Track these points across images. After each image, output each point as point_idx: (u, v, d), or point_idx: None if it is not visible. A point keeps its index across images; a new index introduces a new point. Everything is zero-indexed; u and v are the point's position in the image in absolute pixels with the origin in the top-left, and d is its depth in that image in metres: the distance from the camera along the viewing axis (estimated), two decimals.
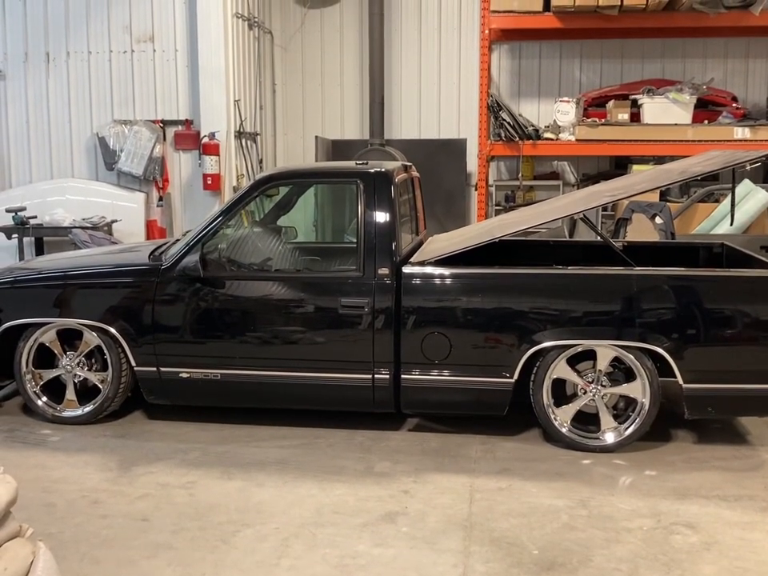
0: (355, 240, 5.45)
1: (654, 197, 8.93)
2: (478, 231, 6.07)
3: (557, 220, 5.81)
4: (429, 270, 5.27)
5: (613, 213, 9.84)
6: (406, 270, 5.27)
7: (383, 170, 5.51)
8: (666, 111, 10.05)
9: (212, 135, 9.91)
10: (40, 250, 9.94)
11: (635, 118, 10.20)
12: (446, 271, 5.26)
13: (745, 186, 8.84)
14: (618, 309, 5.10)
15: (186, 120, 10.44)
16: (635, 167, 10.08)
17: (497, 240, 5.32)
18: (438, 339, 5.18)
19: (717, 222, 9.38)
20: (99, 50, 10.46)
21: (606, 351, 5.10)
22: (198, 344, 5.49)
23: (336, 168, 6.15)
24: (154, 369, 5.51)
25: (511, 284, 5.24)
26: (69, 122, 10.66)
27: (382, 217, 5.33)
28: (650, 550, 3.89)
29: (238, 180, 10.24)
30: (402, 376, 5.24)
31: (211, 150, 9.92)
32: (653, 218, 8.77)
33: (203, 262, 5.38)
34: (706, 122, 10.08)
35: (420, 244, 6.14)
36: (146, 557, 3.88)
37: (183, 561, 3.83)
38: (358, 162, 5.74)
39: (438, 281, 5.27)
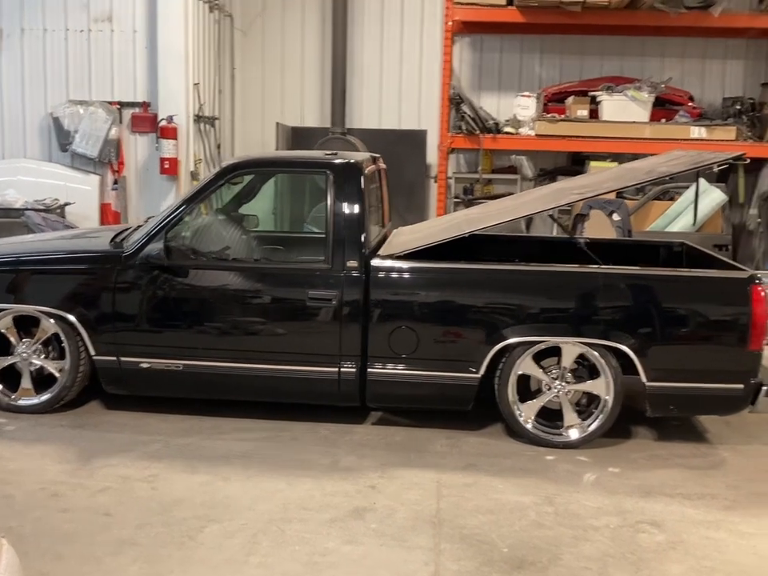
0: (319, 230, 5.39)
1: (612, 194, 9.02)
2: (444, 225, 6.05)
3: (525, 216, 5.82)
4: (398, 263, 5.24)
5: (569, 209, 9.92)
6: (375, 263, 5.23)
7: (353, 161, 5.46)
8: (625, 109, 10.13)
9: (170, 118, 9.73)
10: None
11: (594, 114, 10.27)
12: (414, 265, 5.23)
13: (700, 185, 8.96)
14: (583, 306, 5.13)
15: (144, 102, 10.24)
16: (593, 164, 10.15)
17: (466, 235, 5.31)
18: (405, 333, 5.15)
19: (672, 220, 9.52)
20: (55, 28, 10.19)
21: (571, 348, 5.13)
22: (161, 333, 5.39)
23: (306, 158, 6.07)
24: (114, 358, 5.39)
25: (480, 279, 5.24)
26: (22, 101, 10.39)
27: (351, 209, 5.28)
28: (617, 549, 3.93)
29: (195, 165, 10.09)
30: (369, 370, 5.21)
31: (169, 133, 9.73)
32: (610, 214, 8.88)
33: (167, 250, 5.28)
34: (663, 120, 10.19)
35: (385, 236, 6.10)
36: (110, 553, 3.79)
37: (149, 558, 3.76)
38: (327, 153, 5.68)
39: (406, 274, 5.24)
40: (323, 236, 5.41)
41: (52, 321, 5.40)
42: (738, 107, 10.19)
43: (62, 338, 5.42)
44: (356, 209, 5.28)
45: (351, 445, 5.14)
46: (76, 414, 5.53)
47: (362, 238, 5.24)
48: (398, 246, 5.51)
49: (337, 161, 5.44)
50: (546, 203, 5.66)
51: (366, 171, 5.47)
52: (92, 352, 5.39)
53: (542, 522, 4.19)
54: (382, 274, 5.21)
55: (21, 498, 4.30)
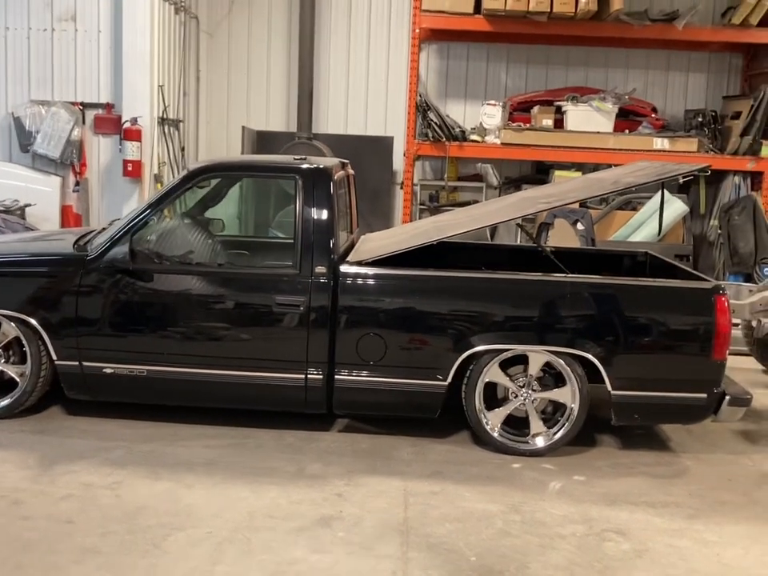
0: (285, 235, 5.36)
1: (576, 203, 9.10)
2: (412, 232, 6.05)
3: (493, 225, 5.83)
4: (366, 269, 5.23)
5: (534, 217, 9.98)
6: (344, 269, 5.21)
7: (322, 166, 5.44)
8: (589, 119, 10.23)
9: (134, 120, 9.61)
10: None
11: (559, 124, 10.35)
12: (383, 272, 5.22)
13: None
14: (550, 315, 5.16)
15: (108, 103, 10.09)
16: (557, 173, 10.24)
17: (434, 243, 5.31)
18: (373, 340, 5.14)
19: (634, 229, 9.64)
20: (18, 26, 10.00)
21: (537, 356, 5.16)
22: (124, 338, 5.32)
23: (274, 163, 6.02)
24: (76, 363, 5.31)
25: (447, 287, 5.24)
26: None
27: (320, 214, 5.26)
28: (584, 557, 3.94)
29: (159, 168, 9.97)
30: (336, 377, 5.19)
31: (133, 135, 9.61)
32: (574, 223, 8.96)
33: (132, 254, 5.21)
34: (626, 131, 10.30)
35: (353, 243, 6.08)
36: (73, 561, 3.73)
37: (113, 567, 3.69)
38: (296, 158, 5.65)
39: (374, 281, 5.23)
40: (290, 241, 5.39)
41: (13, 324, 5.31)
42: (700, 119, 10.32)
43: (24, 342, 5.32)
44: (325, 214, 5.25)
45: (317, 452, 5.11)
46: (37, 420, 5.43)
47: (331, 244, 5.22)
48: (367, 253, 5.49)
49: (306, 166, 5.41)
50: (513, 212, 5.68)
51: (335, 177, 5.46)
52: (54, 356, 5.30)
53: (509, 530, 4.20)
54: (350, 281, 5.19)
55: None
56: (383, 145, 10.95)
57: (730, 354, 5.18)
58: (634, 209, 9.86)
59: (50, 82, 10.10)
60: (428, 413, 5.27)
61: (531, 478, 4.88)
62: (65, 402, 5.61)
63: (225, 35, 11.40)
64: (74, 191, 10.22)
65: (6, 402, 5.37)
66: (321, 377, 5.18)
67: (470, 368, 5.15)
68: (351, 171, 6.37)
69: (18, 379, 5.37)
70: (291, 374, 5.20)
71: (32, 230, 8.64)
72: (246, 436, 5.29)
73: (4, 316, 5.30)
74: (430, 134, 10.24)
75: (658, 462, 5.22)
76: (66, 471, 4.67)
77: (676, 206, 9.39)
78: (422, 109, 10.34)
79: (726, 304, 5.07)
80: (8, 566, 3.65)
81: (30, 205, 9.63)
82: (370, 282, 5.21)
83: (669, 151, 9.95)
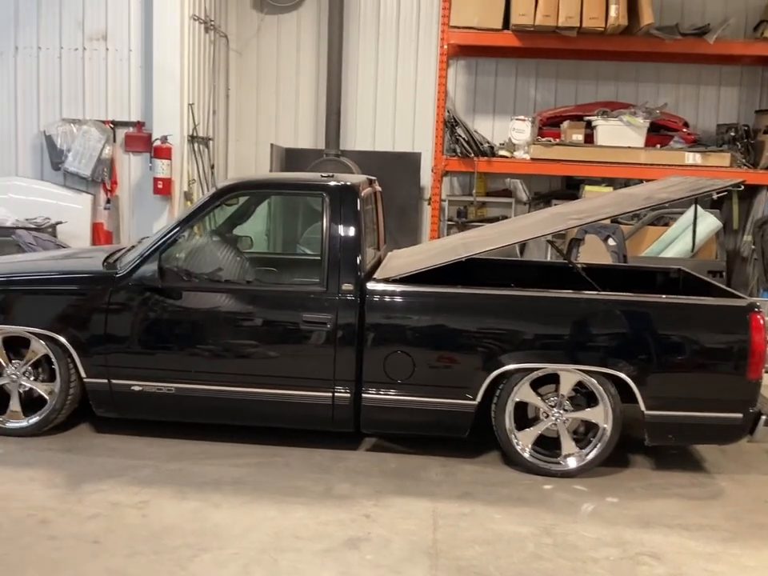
0: (312, 252, 5.33)
1: (607, 219, 9.00)
2: (441, 249, 6.00)
3: (524, 241, 5.78)
4: (393, 287, 5.18)
5: (564, 233, 9.89)
6: (371, 286, 5.17)
7: (350, 183, 5.41)
8: (620, 134, 10.14)
9: (164, 138, 9.68)
10: None
11: (589, 139, 10.28)
12: (410, 289, 5.18)
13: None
14: (582, 333, 5.08)
15: (138, 122, 10.20)
16: (588, 188, 10.16)
17: (463, 259, 5.26)
18: (401, 358, 5.09)
19: (666, 245, 9.52)
20: (49, 46, 10.17)
21: (569, 375, 5.07)
22: (153, 356, 5.32)
23: (301, 180, 6.02)
24: (105, 381, 5.31)
25: (477, 304, 5.18)
26: (15, 119, 10.35)
27: (347, 231, 5.23)
28: None
29: (189, 185, 10.03)
30: (364, 395, 5.14)
31: (163, 153, 9.68)
32: (606, 239, 8.84)
33: (161, 272, 5.21)
34: (658, 146, 10.21)
35: (380, 260, 6.05)
36: None
37: None
38: (323, 175, 5.63)
39: (402, 298, 5.18)
40: (317, 258, 5.36)
41: (42, 342, 5.32)
42: (733, 134, 10.21)
43: (53, 360, 5.33)
44: (352, 231, 5.22)
45: (345, 471, 5.06)
46: (65, 438, 5.43)
47: (358, 261, 5.19)
48: (394, 270, 5.45)
49: (333, 183, 5.39)
50: (544, 228, 5.62)
51: (362, 193, 5.43)
52: (83, 374, 5.31)
53: (541, 553, 4.11)
54: (377, 298, 5.15)
55: (8, 524, 4.20)
56: (411, 161, 10.93)
57: (765, 373, 5.07)
58: (666, 224, 9.74)
59: (82, 101, 10.23)
60: (457, 432, 5.20)
61: (563, 499, 4.80)
62: (93, 420, 5.61)
63: (254, 54, 11.47)
64: (104, 209, 10.32)
65: (34, 419, 5.38)
66: (348, 395, 5.13)
67: (500, 387, 5.08)
68: (378, 188, 6.34)
69: (46, 397, 5.37)
70: (318, 392, 5.16)
71: (63, 247, 8.70)
72: (274, 454, 5.25)
73: (33, 334, 5.32)
74: (458, 150, 10.20)
75: (693, 484, 5.11)
76: (94, 490, 4.65)
77: (709, 222, 9.26)
78: (449, 124, 10.31)
79: (762, 321, 4.96)
80: None
81: (61, 222, 9.72)
82: (398, 299, 5.17)
83: (701, 166, 9.85)
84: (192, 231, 5.57)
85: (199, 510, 4.45)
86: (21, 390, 5.42)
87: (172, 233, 5.34)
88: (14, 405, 5.40)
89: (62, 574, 3.75)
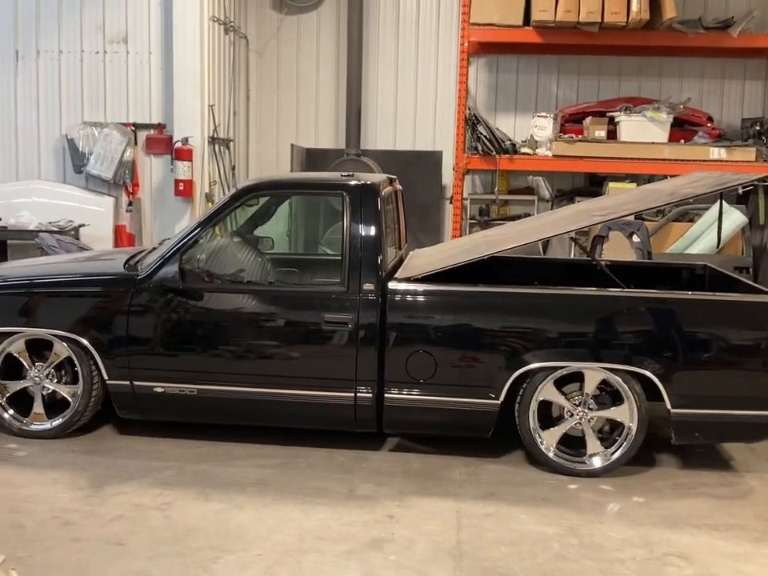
0: (333, 252, 5.30)
1: (631, 215, 8.92)
2: (463, 247, 5.96)
3: (547, 239, 5.72)
4: (415, 286, 5.15)
5: (587, 230, 9.81)
6: (392, 285, 5.14)
7: (370, 182, 5.38)
8: (643, 129, 10.03)
9: (185, 140, 9.69)
10: (3, 253, 9.65)
11: (612, 135, 10.17)
12: (432, 288, 5.14)
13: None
14: (606, 331, 5.02)
15: (159, 124, 10.22)
16: (611, 185, 10.06)
17: (485, 258, 5.21)
18: (423, 358, 5.05)
19: (691, 242, 9.40)
20: (70, 50, 10.22)
21: (593, 374, 5.02)
22: (175, 357, 5.31)
23: (321, 180, 6.00)
24: (127, 382, 5.31)
25: (499, 303, 5.14)
26: (37, 123, 10.40)
27: (367, 231, 5.20)
28: None
29: (210, 187, 10.04)
30: (386, 395, 5.11)
31: (184, 155, 9.69)
32: (630, 236, 8.76)
33: (182, 273, 5.20)
34: (682, 141, 10.08)
35: (402, 259, 6.01)
36: None
37: None
38: (343, 174, 5.60)
39: (424, 298, 5.14)
40: (339, 258, 5.33)
41: (65, 344, 5.33)
42: (758, 128, 10.07)
43: (75, 362, 5.34)
44: (373, 231, 5.19)
45: (368, 472, 5.03)
46: (89, 440, 5.44)
47: (379, 260, 5.15)
48: (415, 269, 5.42)
49: (353, 182, 5.36)
50: (567, 225, 5.56)
51: (382, 193, 5.40)
52: (105, 376, 5.31)
53: (566, 554, 4.06)
54: (398, 297, 5.11)
55: (32, 527, 4.21)
56: (432, 159, 10.87)
57: None
58: (691, 220, 9.62)
59: (103, 104, 10.27)
60: (480, 432, 5.16)
61: (588, 499, 4.74)
62: (117, 422, 5.62)
63: (274, 54, 11.46)
64: (126, 211, 10.35)
65: (58, 421, 5.40)
66: (370, 395, 5.10)
67: (524, 386, 5.03)
68: (399, 186, 6.31)
69: (69, 399, 5.39)
70: (340, 393, 5.14)
71: (86, 250, 8.73)
72: (296, 455, 5.23)
73: (56, 336, 5.33)
74: (480, 148, 10.13)
75: (721, 483, 5.04)
76: (117, 492, 4.65)
77: (734, 217, 9.13)
78: (471, 122, 10.23)
79: None
80: None
81: (83, 225, 9.77)
82: (419, 298, 5.13)
83: (726, 161, 9.71)
84: (213, 232, 5.55)
85: (222, 512, 4.44)
86: (44, 393, 5.44)
87: (192, 234, 5.33)
88: (38, 407, 5.42)
89: (84, 575, 3.75)
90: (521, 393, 5.05)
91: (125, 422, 5.54)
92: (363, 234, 5.19)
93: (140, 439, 5.44)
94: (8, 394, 5.45)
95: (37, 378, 5.41)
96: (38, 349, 5.45)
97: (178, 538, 4.13)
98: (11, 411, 5.44)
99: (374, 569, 3.86)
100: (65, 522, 4.27)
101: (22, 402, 5.47)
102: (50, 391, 5.46)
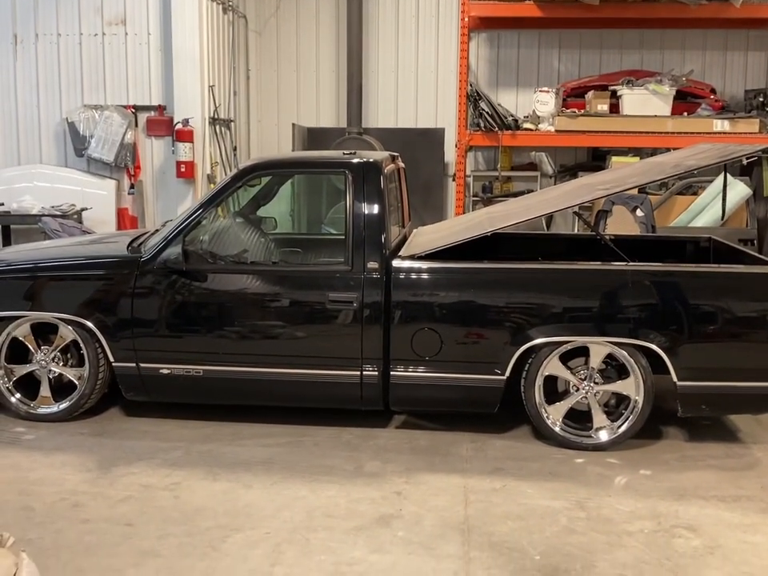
0: (338, 232, 5.29)
1: (635, 189, 8.88)
2: (466, 224, 5.94)
3: (550, 214, 5.69)
4: (419, 264, 5.13)
5: (591, 205, 9.78)
6: (396, 263, 5.13)
7: (372, 160, 5.36)
8: (646, 103, 9.97)
9: (186, 121, 9.66)
10: (7, 238, 9.66)
11: (614, 109, 10.11)
12: (436, 265, 5.12)
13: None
14: (611, 305, 5.00)
15: (159, 106, 10.19)
16: (614, 159, 10.02)
17: (488, 234, 5.20)
18: (428, 335, 5.05)
19: (695, 215, 9.36)
20: (69, 33, 10.17)
21: (599, 348, 5.01)
22: (180, 339, 5.31)
23: (323, 158, 5.97)
24: (133, 364, 5.31)
25: (504, 279, 5.12)
26: (37, 107, 10.38)
27: (371, 209, 5.17)
28: (653, 555, 3.80)
29: (212, 168, 10.01)
30: (392, 373, 5.11)
31: (185, 136, 9.66)
32: (634, 210, 8.71)
33: (185, 254, 5.19)
34: (685, 113, 10.02)
35: (406, 237, 5.99)
36: (132, 565, 3.71)
37: (171, 569, 3.67)
38: (345, 152, 5.58)
39: (428, 275, 5.13)
40: (342, 237, 5.31)
41: (70, 328, 5.34)
42: (761, 99, 10.00)
43: (81, 345, 5.35)
44: (376, 209, 5.17)
45: (375, 449, 5.04)
46: (96, 422, 5.46)
47: (383, 239, 5.14)
48: (419, 246, 5.40)
49: (355, 160, 5.33)
50: (570, 199, 5.53)
51: (385, 170, 5.37)
52: (111, 359, 5.32)
53: (574, 527, 4.07)
54: (403, 275, 5.10)
55: (41, 509, 4.23)
56: (434, 137, 10.83)
57: None
58: (695, 193, 9.57)
59: (103, 87, 10.24)
60: (486, 408, 5.16)
61: (596, 473, 4.75)
62: (124, 404, 5.64)
63: (273, 33, 11.41)
64: (129, 194, 10.34)
65: (65, 404, 5.41)
66: (376, 373, 5.10)
67: (529, 361, 5.03)
68: (402, 164, 6.28)
69: (76, 382, 5.40)
70: (346, 371, 5.14)
71: (89, 233, 8.73)
72: (303, 434, 5.25)
73: (61, 319, 5.33)
74: (482, 124, 10.08)
75: (728, 455, 5.04)
76: (125, 473, 4.67)
77: (738, 189, 9.09)
78: (472, 99, 10.18)
79: None
80: (68, 570, 3.65)
81: (86, 209, 9.78)
82: (423, 276, 5.12)
83: (729, 133, 9.66)
84: (215, 213, 5.53)
85: (230, 491, 4.45)
86: (50, 376, 5.45)
87: (195, 215, 5.31)
88: (45, 390, 5.44)
89: (94, 556, 3.77)
90: (526, 368, 5.05)
91: (132, 404, 5.56)
92: (366, 212, 5.17)
93: (147, 421, 5.45)
94: (15, 378, 5.46)
95: (43, 362, 5.42)
96: (44, 332, 5.46)
97: (187, 517, 4.15)
98: (18, 395, 5.46)
99: (382, 545, 3.88)
100: (74, 503, 4.29)
101: (28, 386, 5.48)
102: (56, 374, 5.47)
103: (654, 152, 9.80)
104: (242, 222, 6.02)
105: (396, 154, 6.21)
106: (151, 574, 3.64)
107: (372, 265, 5.09)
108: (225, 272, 5.29)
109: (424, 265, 5.13)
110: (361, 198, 5.18)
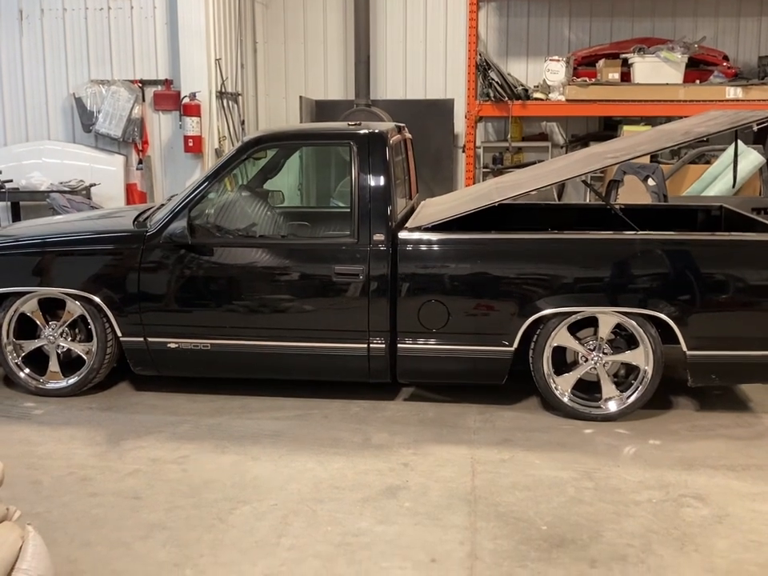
0: (345, 204, 5.25)
1: (646, 158, 8.79)
2: (474, 195, 5.89)
3: (558, 183, 5.64)
4: (426, 235, 5.09)
5: (602, 175, 9.69)
6: (402, 235, 5.09)
7: (377, 131, 5.30)
8: (657, 71, 9.86)
9: (193, 95, 9.61)
10: (16, 214, 9.66)
11: (626, 77, 10.01)
12: (443, 237, 5.08)
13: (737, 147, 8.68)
14: (620, 274, 4.96)
15: (166, 80, 10.14)
16: (626, 128, 9.92)
17: (496, 204, 5.15)
18: (435, 307, 5.02)
19: (708, 184, 9.25)
20: (75, 7, 10.11)
21: (607, 318, 4.97)
22: (187, 313, 5.30)
23: (328, 129, 5.92)
24: (141, 339, 5.31)
25: (511, 250, 5.08)
26: (44, 82, 10.34)
27: (376, 180, 5.13)
28: (661, 524, 3.78)
29: (219, 142, 9.97)
30: (399, 345, 5.09)
31: (192, 110, 9.62)
32: (645, 179, 8.63)
33: (191, 228, 5.17)
34: (697, 81, 9.91)
35: (413, 209, 5.95)
36: (140, 537, 3.72)
37: (179, 541, 3.68)
38: (350, 123, 5.52)
39: (435, 247, 5.09)
40: (348, 210, 5.27)
41: (78, 303, 5.34)
42: None
43: (89, 320, 5.35)
44: (381, 180, 5.12)
45: (383, 421, 5.04)
46: (105, 396, 5.47)
47: (389, 211, 5.10)
48: (426, 218, 5.36)
49: (361, 131, 5.28)
50: (580, 168, 5.46)
51: (390, 141, 5.32)
52: (119, 333, 5.32)
53: (582, 497, 4.05)
54: (409, 247, 5.06)
55: (49, 482, 4.24)
56: (444, 108, 10.75)
57: None
58: (708, 162, 9.46)
59: (109, 61, 10.19)
60: (494, 379, 5.14)
61: (604, 443, 4.72)
62: (133, 378, 5.65)
63: (280, 5, 11.32)
64: (137, 169, 10.32)
65: (74, 379, 5.43)
66: (383, 346, 5.08)
67: (537, 332, 5.00)
68: (408, 135, 6.23)
69: (84, 357, 5.41)
70: (354, 344, 5.12)
71: (97, 209, 8.72)
72: (312, 407, 5.25)
73: (69, 294, 5.34)
74: (492, 94, 10.00)
75: (738, 424, 5.00)
76: (134, 447, 4.69)
77: (751, 158, 8.96)
78: (482, 68, 10.10)
79: None
80: (76, 543, 3.67)
81: (94, 184, 9.76)
82: (430, 247, 5.07)
83: (742, 100, 9.56)
84: (221, 186, 5.51)
85: (238, 464, 4.46)
86: (59, 351, 5.46)
87: (200, 189, 5.29)
88: (53, 365, 5.45)
89: (102, 529, 3.78)
90: (534, 339, 5.02)
91: (140, 378, 5.57)
92: (372, 183, 5.12)
93: (156, 395, 5.47)
94: (24, 354, 5.48)
95: (51, 337, 5.43)
96: (51, 308, 5.47)
97: (195, 490, 4.15)
98: (27, 370, 5.48)
99: (389, 515, 3.88)
100: (82, 477, 4.31)
101: (37, 361, 5.50)
102: (64, 350, 5.48)
103: (666, 120, 9.68)
104: (249, 196, 5.99)
105: (402, 124, 6.15)
106: (158, 546, 3.65)
107: (378, 237, 5.06)
108: (231, 245, 5.26)
109: (431, 236, 5.09)
110: (366, 169, 5.13)
